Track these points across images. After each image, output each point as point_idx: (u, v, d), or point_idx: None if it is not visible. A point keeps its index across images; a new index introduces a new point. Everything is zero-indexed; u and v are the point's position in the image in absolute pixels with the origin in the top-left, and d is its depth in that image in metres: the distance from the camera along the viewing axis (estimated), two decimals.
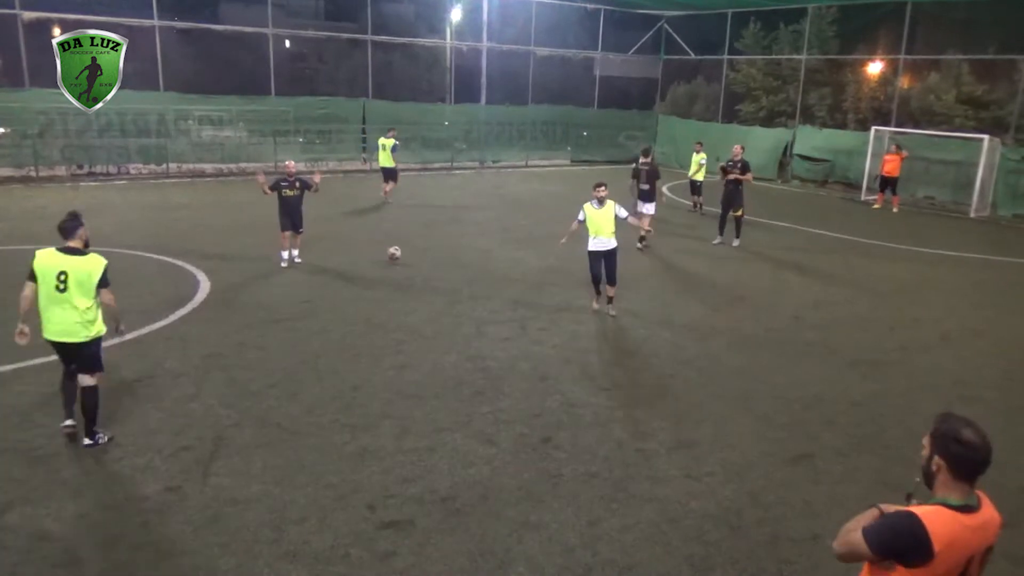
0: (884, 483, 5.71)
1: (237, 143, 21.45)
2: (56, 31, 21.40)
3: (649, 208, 13.49)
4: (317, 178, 11.55)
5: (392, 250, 11.97)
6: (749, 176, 13.87)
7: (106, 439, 5.85)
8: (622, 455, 6.07)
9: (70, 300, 5.51)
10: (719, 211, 14.32)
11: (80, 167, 19.38)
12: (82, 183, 18.42)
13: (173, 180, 19.72)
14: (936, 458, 2.52)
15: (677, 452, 6.16)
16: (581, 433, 6.42)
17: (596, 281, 9.63)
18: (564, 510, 5.23)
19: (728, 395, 7.36)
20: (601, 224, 9.27)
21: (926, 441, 2.59)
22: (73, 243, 5.67)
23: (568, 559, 4.71)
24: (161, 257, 11.62)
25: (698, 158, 17.00)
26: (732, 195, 13.82)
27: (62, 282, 5.49)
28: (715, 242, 14.17)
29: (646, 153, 13.78)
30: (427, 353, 8.14)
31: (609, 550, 4.82)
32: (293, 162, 11.81)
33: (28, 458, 5.65)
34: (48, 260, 5.54)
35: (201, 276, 10.64)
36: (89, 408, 5.74)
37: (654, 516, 5.21)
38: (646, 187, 13.41)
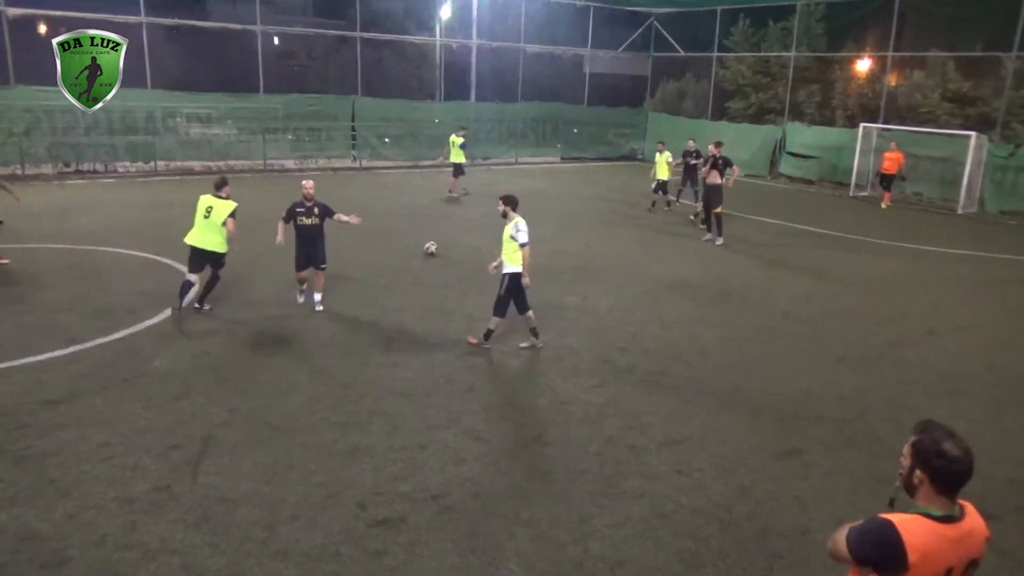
0: (873, 477, 5.75)
1: (226, 141, 21.35)
2: (42, 28, 21.24)
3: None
4: (355, 220, 9.31)
5: (428, 246, 12.32)
6: (736, 170, 14.46)
7: (208, 308, 9.06)
8: (613, 451, 6.08)
9: (211, 224, 8.69)
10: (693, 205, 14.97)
11: (67, 165, 19.22)
12: (69, 181, 18.26)
13: (161, 178, 19.59)
14: (917, 471, 2.46)
15: (667, 448, 6.18)
16: (571, 430, 6.43)
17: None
18: (555, 507, 5.24)
19: (718, 391, 7.39)
20: (503, 242, 7.99)
21: (907, 451, 2.52)
22: (221, 193, 8.83)
23: (559, 555, 4.71)
24: (150, 255, 11.56)
25: (663, 157, 16.99)
26: (712, 193, 14.16)
27: (208, 212, 8.68)
28: (705, 238, 14.37)
29: (718, 145, 15.04)
30: (417, 351, 8.13)
31: (600, 546, 4.83)
32: (311, 183, 9.14)
33: (16, 458, 5.61)
34: (204, 199, 8.75)
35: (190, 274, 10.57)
36: (210, 287, 9.07)
37: (645, 512, 5.22)
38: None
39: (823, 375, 7.93)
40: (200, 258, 8.81)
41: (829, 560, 2.68)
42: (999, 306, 10.88)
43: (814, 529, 5.07)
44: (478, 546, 4.77)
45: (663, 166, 17.02)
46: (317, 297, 9.28)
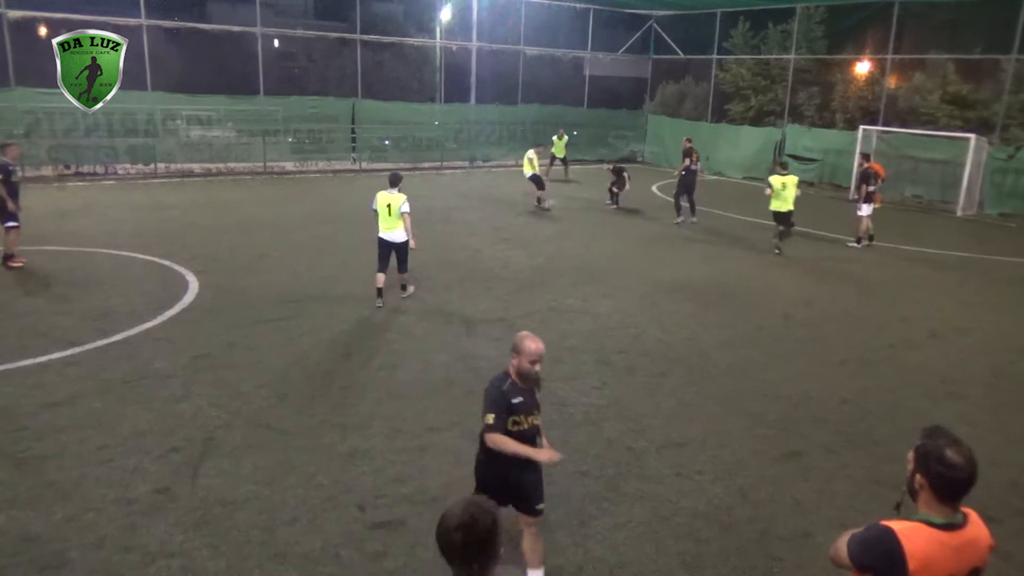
0: (873, 480, 5.74)
1: (226, 143, 21.34)
2: (43, 30, 21.26)
3: (867, 209, 14.62)
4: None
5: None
6: (687, 162, 16.36)
7: (412, 290, 10.19)
8: (613, 454, 6.07)
9: (394, 218, 9.43)
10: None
11: (67, 167, 19.21)
12: (69, 183, 18.27)
13: (161, 180, 19.59)
14: (919, 476, 2.46)
15: (668, 450, 6.18)
16: (572, 432, 6.42)
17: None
18: (555, 509, 5.23)
19: (718, 393, 7.38)
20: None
21: (911, 455, 2.52)
22: (395, 189, 9.52)
23: (559, 558, 4.70)
24: (149, 257, 11.54)
25: (536, 156, 18.10)
26: (688, 182, 16.19)
27: (388, 208, 9.43)
28: (676, 221, 15.99)
29: (868, 158, 15.26)
30: (418, 353, 8.13)
31: (600, 549, 4.82)
32: (542, 346, 4.20)
33: (15, 460, 5.61)
34: (383, 197, 9.49)
35: (190, 276, 10.59)
36: (406, 277, 10.11)
37: (645, 515, 5.22)
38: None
39: (824, 377, 7.92)
40: (390, 247, 9.88)
41: (829, 563, 2.68)
42: (1000, 309, 10.88)
43: (814, 532, 5.06)
44: None
45: (528, 164, 17.84)
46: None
